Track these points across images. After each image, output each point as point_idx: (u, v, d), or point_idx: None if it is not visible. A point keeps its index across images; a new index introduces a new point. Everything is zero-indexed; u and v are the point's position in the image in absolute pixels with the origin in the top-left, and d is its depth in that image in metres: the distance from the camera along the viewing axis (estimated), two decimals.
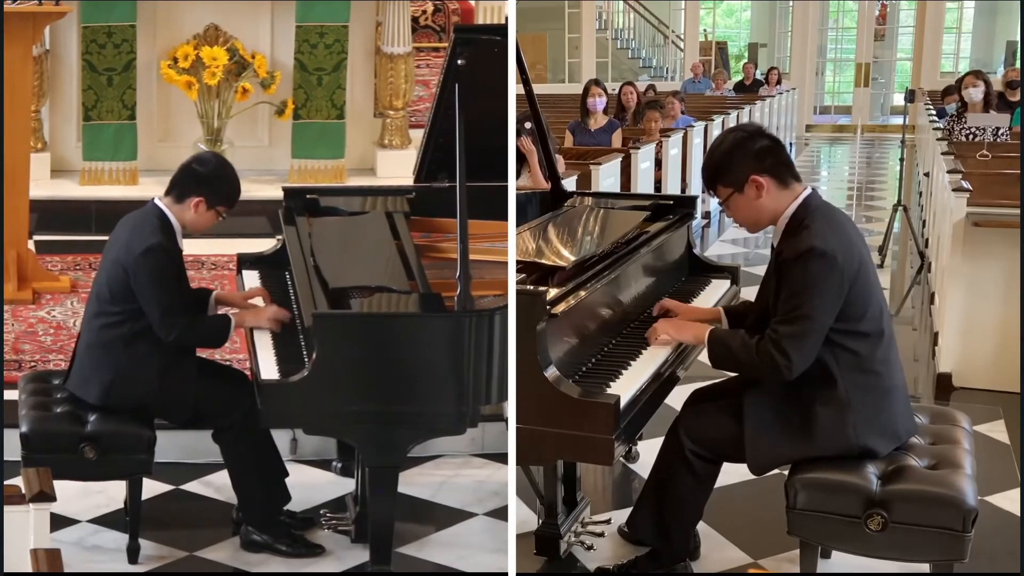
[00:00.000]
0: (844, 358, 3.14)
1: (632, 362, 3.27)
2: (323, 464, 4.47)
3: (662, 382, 3.27)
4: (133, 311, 3.61)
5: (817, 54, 21.66)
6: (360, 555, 3.75)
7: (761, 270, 3.52)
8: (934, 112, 11.21)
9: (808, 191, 3.23)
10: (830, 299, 3.07)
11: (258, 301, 3.91)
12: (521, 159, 5.73)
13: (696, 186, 9.83)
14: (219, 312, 3.87)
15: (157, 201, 3.72)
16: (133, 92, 6.23)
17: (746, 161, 3.19)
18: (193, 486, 4.32)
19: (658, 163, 8.78)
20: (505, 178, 3.56)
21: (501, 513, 4.12)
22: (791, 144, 16.40)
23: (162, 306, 3.58)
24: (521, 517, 3.91)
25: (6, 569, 2.65)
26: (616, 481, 4.53)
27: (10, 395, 4.27)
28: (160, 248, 3.59)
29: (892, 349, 3.26)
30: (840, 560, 3.59)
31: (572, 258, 3.52)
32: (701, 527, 3.75)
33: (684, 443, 3.40)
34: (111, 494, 4.06)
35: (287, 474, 3.92)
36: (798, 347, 3.07)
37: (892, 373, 3.24)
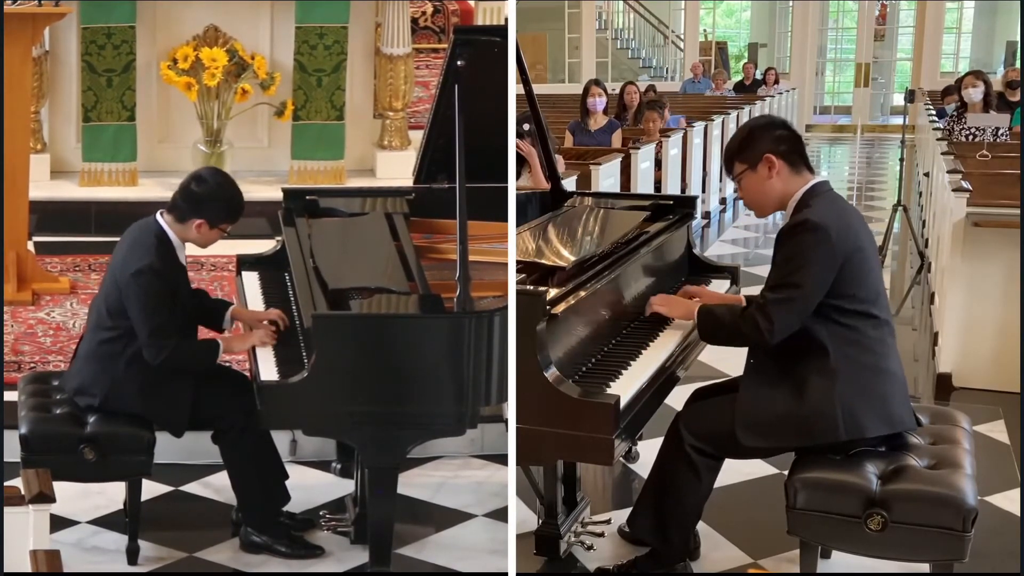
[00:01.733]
0: (836, 331, 3.21)
1: (632, 362, 3.27)
2: (322, 465, 4.47)
3: (662, 382, 3.27)
4: (129, 328, 3.61)
5: (817, 54, 21.66)
6: (359, 556, 3.74)
7: (760, 270, 3.55)
8: (934, 112, 11.21)
9: (818, 179, 3.34)
10: (820, 270, 3.15)
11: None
12: (521, 160, 5.73)
13: (696, 186, 9.83)
14: (233, 326, 3.88)
15: (159, 217, 3.69)
16: (133, 93, 6.22)
17: (763, 141, 3.34)
18: (193, 487, 4.32)
19: (658, 163, 8.78)
20: (505, 179, 3.56)
21: (501, 514, 4.12)
22: None
23: (148, 329, 3.56)
24: (521, 517, 3.91)
25: (6, 570, 2.65)
26: (616, 481, 4.52)
27: (10, 396, 4.27)
28: (150, 270, 3.57)
29: (890, 336, 3.30)
30: (840, 560, 3.59)
31: (572, 258, 3.52)
32: (701, 527, 3.75)
33: (685, 438, 3.40)
34: (110, 495, 4.05)
35: (287, 475, 3.91)
36: (781, 313, 3.16)
37: (888, 356, 3.27)
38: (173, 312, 3.63)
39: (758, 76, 17.07)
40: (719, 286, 4.16)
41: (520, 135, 5.53)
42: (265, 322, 3.78)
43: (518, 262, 3.34)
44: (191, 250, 3.85)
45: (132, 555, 3.73)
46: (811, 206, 3.24)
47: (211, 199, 3.68)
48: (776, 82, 16.54)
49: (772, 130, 3.37)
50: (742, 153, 3.37)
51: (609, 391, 3.02)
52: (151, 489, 4.08)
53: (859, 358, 3.21)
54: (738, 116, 11.67)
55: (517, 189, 4.42)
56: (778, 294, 3.17)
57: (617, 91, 10.56)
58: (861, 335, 3.22)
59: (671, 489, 3.46)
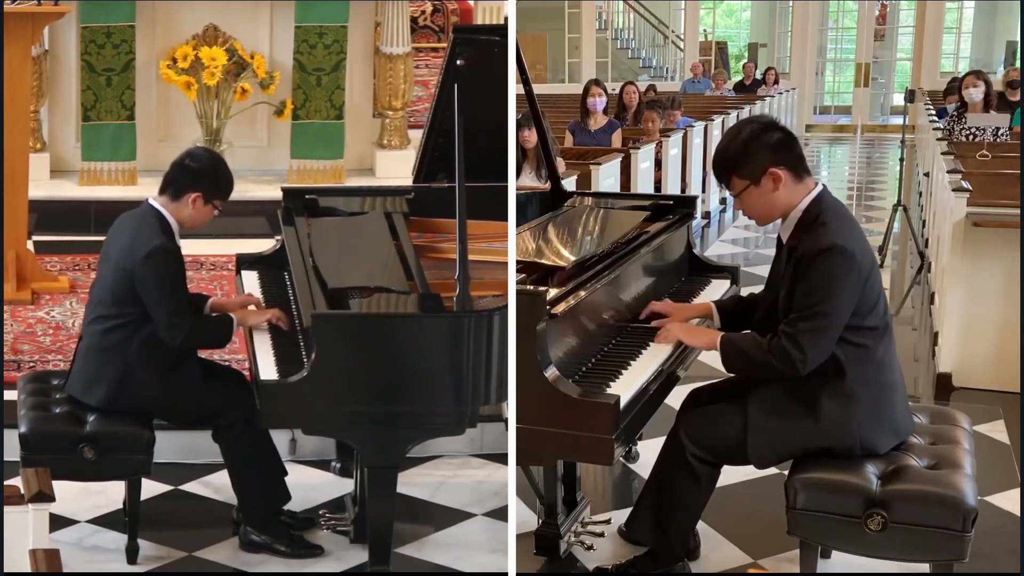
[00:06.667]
0: (851, 351, 3.15)
1: (632, 362, 3.27)
2: (322, 464, 4.47)
3: (662, 382, 3.26)
4: (136, 315, 3.60)
5: (817, 54, 21.64)
6: (359, 555, 3.74)
7: (760, 270, 3.53)
8: (934, 112, 11.20)
9: (820, 187, 3.24)
10: (848, 296, 3.08)
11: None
12: (522, 158, 5.74)
13: (696, 186, 9.83)
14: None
15: (152, 201, 3.71)
16: (132, 92, 6.22)
17: (764, 153, 3.17)
18: (192, 486, 4.31)
19: (658, 163, 8.78)
20: (505, 178, 3.56)
21: (500, 513, 4.12)
22: None
23: (168, 309, 3.57)
24: (521, 517, 3.90)
25: (6, 569, 2.65)
26: (616, 481, 4.52)
27: (9, 395, 4.26)
28: (164, 250, 3.58)
29: (892, 344, 3.28)
30: (840, 560, 3.58)
31: (572, 258, 3.52)
32: (701, 527, 3.75)
33: (685, 446, 3.38)
34: (110, 494, 4.05)
35: (286, 474, 3.91)
36: (814, 342, 3.08)
37: (892, 367, 3.26)
38: (187, 291, 3.64)
39: (758, 76, 17.06)
40: (719, 286, 4.17)
41: (521, 125, 5.52)
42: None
43: (518, 262, 3.34)
44: (189, 249, 3.85)
45: (132, 554, 3.73)
46: (828, 224, 3.10)
47: (206, 172, 3.72)
48: (776, 82, 16.54)
49: (768, 136, 3.17)
50: (742, 168, 3.18)
51: (609, 391, 3.02)
52: (151, 488, 4.08)
53: (872, 377, 3.18)
54: (738, 116, 11.64)
55: (517, 188, 4.42)
56: (808, 323, 3.07)
57: (617, 91, 10.57)
58: (872, 352, 3.18)
59: (670, 494, 3.45)
